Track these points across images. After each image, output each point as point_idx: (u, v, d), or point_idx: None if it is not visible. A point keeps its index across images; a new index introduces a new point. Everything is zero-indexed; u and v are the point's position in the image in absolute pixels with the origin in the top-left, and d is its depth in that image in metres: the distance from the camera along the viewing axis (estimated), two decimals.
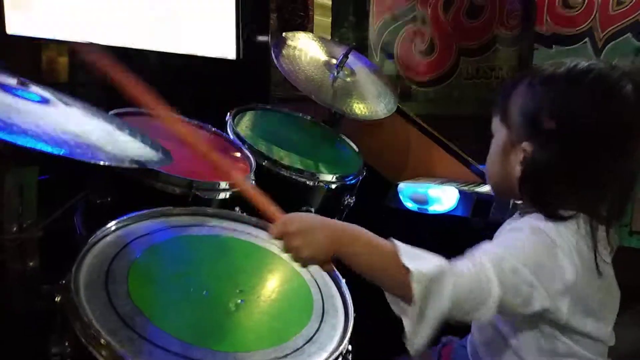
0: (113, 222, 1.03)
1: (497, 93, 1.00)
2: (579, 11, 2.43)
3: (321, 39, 2.08)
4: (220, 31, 2.09)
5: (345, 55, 1.91)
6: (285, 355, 0.88)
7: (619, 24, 2.34)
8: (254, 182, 1.38)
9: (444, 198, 1.90)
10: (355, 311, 1.02)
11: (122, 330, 0.82)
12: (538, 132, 0.88)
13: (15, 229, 0.97)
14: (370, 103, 1.94)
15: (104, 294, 0.88)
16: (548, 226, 0.86)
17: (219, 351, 0.85)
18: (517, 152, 0.91)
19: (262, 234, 1.21)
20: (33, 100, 0.95)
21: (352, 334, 0.96)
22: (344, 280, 1.09)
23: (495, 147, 0.97)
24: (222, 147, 1.55)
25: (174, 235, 1.09)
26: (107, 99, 1.89)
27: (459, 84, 2.74)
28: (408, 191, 1.97)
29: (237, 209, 1.30)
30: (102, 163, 0.83)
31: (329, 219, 0.91)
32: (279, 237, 0.88)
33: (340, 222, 0.89)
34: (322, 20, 2.56)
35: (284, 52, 1.84)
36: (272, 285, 1.06)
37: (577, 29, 2.43)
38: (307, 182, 1.58)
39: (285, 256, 1.14)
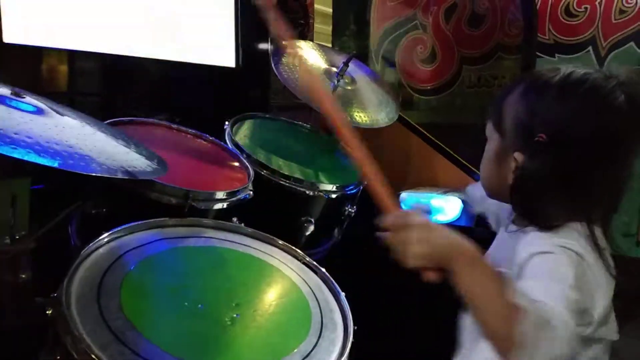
0: (106, 234, 1.01)
1: (493, 98, 1.00)
2: (582, 20, 2.41)
3: (321, 47, 2.07)
4: (219, 39, 2.08)
5: (346, 64, 1.90)
6: None
7: (621, 32, 2.32)
8: (252, 192, 1.36)
9: (447, 208, 1.88)
10: (354, 326, 1.00)
11: (113, 344, 0.80)
12: (530, 143, 0.87)
13: (7, 240, 0.95)
14: (371, 111, 1.92)
15: (95, 307, 0.86)
16: (569, 242, 0.83)
17: None
18: (509, 161, 0.91)
19: (260, 245, 1.19)
20: (27, 111, 0.94)
21: (351, 349, 0.94)
22: (343, 294, 1.07)
23: (489, 152, 0.97)
24: (220, 157, 1.53)
25: (169, 247, 1.07)
26: (104, 108, 1.90)
27: (461, 93, 2.72)
28: (410, 201, 1.95)
29: (234, 219, 1.28)
30: (93, 174, 0.82)
31: None
32: (391, 228, 0.81)
33: (464, 239, 0.81)
34: (323, 28, 2.55)
35: (283, 59, 1.82)
36: (269, 298, 1.04)
37: (580, 37, 2.42)
38: (307, 192, 1.56)
39: (285, 268, 1.12)
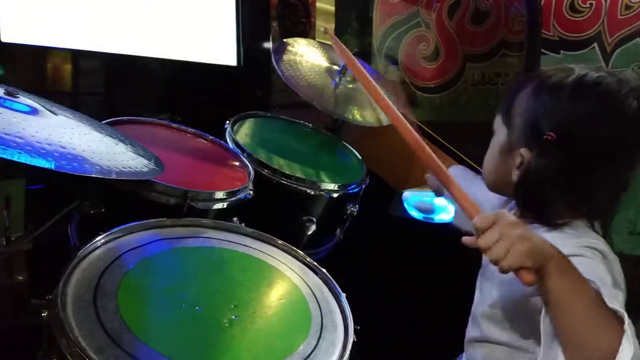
0: (102, 235, 1.00)
1: (497, 96, 1.01)
2: (587, 16, 2.38)
3: (322, 45, 2.05)
4: (220, 38, 2.07)
5: None
6: None
7: (627, 28, 2.29)
8: (252, 192, 1.34)
9: (450, 206, 1.85)
10: (357, 326, 0.99)
11: (109, 348, 0.79)
12: (538, 140, 0.87)
13: (2, 242, 0.94)
14: (373, 109, 1.90)
15: (92, 309, 0.85)
16: (592, 241, 0.84)
17: None
18: (515, 156, 0.91)
19: (259, 245, 1.17)
20: (21, 111, 0.92)
21: (352, 350, 0.92)
22: (344, 295, 1.06)
23: (495, 145, 0.97)
24: (221, 156, 1.51)
25: (167, 247, 1.06)
26: (104, 107, 1.89)
27: (464, 90, 2.70)
28: (413, 200, 1.93)
29: (235, 219, 1.26)
30: (87, 174, 0.80)
31: None
32: (484, 229, 0.76)
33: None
34: (325, 26, 2.53)
35: (284, 57, 1.81)
36: (268, 300, 1.02)
37: (585, 34, 2.39)
38: (309, 191, 1.54)
39: (285, 269, 1.11)
